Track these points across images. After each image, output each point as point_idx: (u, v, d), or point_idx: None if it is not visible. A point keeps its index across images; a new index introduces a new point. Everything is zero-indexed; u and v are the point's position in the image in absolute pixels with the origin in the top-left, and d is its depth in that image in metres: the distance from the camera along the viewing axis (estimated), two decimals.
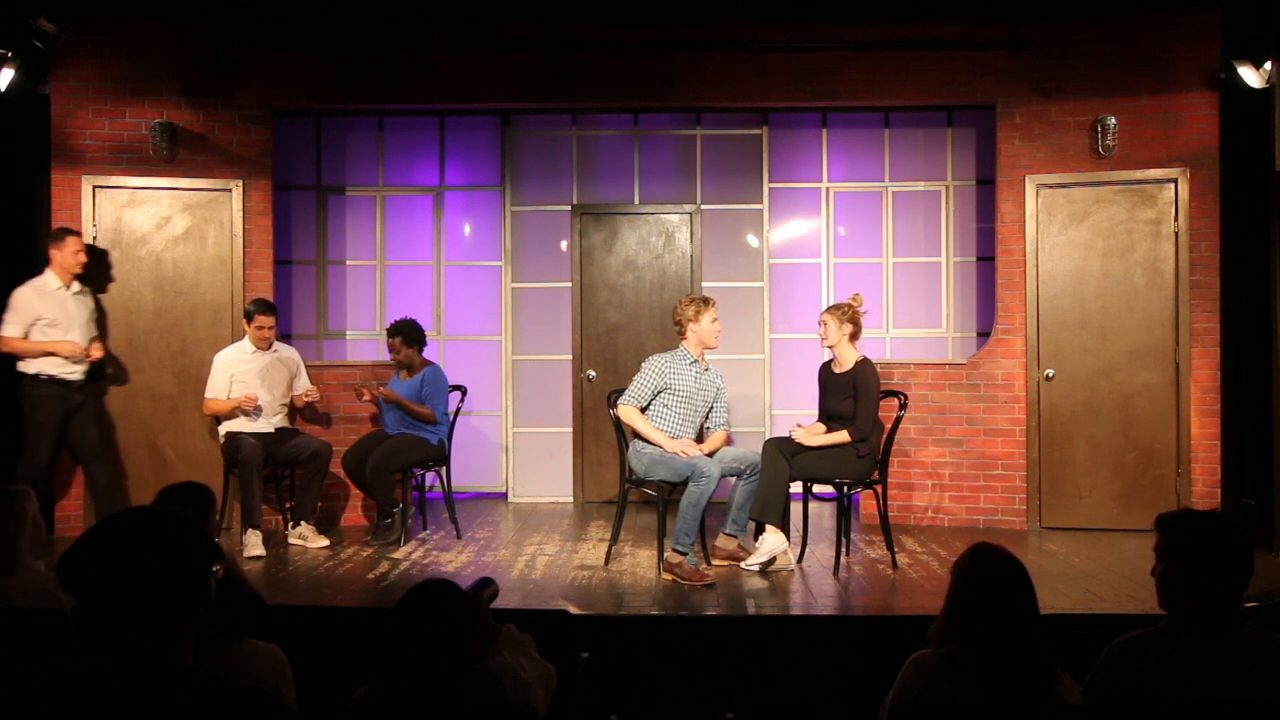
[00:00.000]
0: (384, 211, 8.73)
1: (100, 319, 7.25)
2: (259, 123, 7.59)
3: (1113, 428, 7.36)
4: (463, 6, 7.41)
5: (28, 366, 6.76)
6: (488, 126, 8.70)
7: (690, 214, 8.61)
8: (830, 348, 6.40)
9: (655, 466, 6.07)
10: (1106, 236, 7.41)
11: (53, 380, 6.76)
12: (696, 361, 6.26)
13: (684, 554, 5.82)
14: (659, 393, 6.20)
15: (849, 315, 6.28)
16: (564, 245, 8.68)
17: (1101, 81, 7.37)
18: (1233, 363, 7.28)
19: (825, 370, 6.43)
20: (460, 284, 8.77)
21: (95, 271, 7.27)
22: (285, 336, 7.96)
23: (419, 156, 8.76)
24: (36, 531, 3.69)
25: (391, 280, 8.73)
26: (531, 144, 8.71)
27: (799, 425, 6.35)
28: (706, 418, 6.34)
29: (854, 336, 6.29)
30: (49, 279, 6.86)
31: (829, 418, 6.31)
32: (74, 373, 6.84)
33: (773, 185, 8.63)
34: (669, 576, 5.82)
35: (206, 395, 7.04)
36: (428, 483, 7.53)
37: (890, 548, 6.27)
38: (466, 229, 8.82)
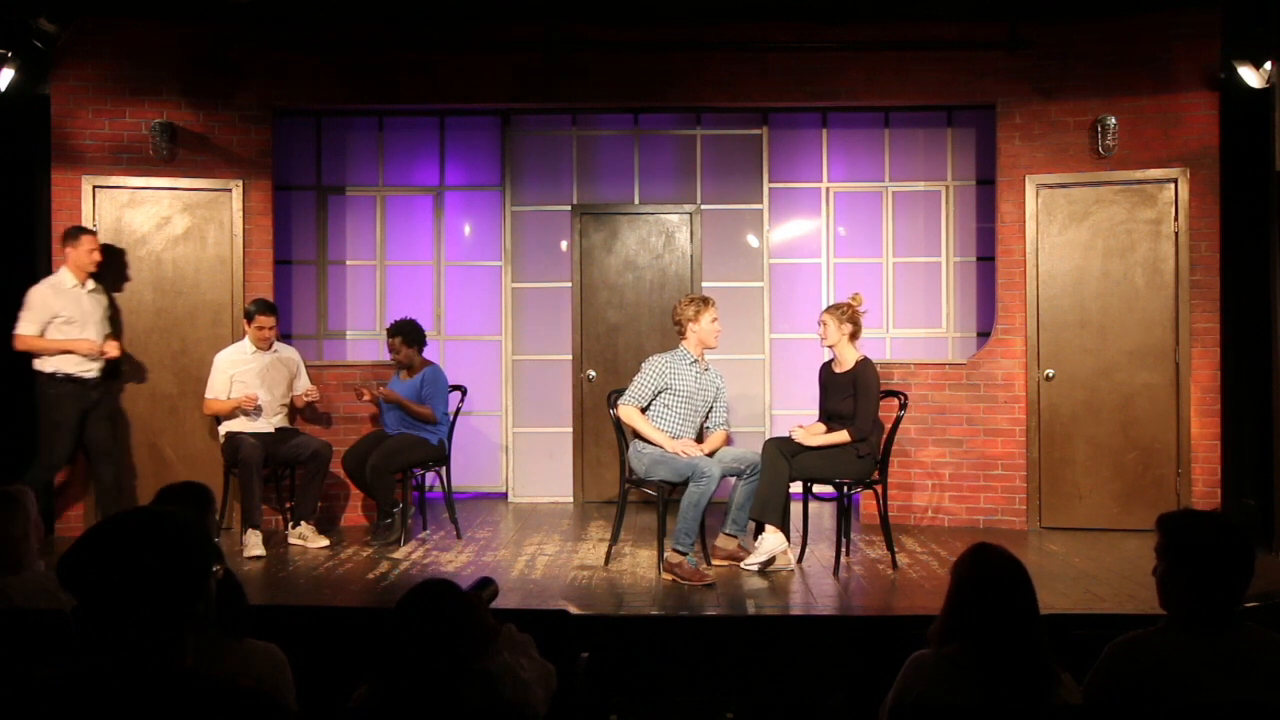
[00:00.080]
0: (384, 211, 8.73)
1: (114, 316, 7.26)
2: (259, 123, 7.59)
3: (1113, 428, 7.36)
4: (463, 6, 7.41)
5: (44, 365, 6.77)
6: (488, 126, 8.70)
7: (690, 214, 8.62)
8: (830, 347, 6.41)
9: (656, 466, 6.07)
10: (1106, 236, 7.41)
11: (69, 379, 6.77)
12: (696, 361, 6.26)
13: (684, 554, 5.82)
14: (659, 393, 6.20)
15: (848, 315, 6.28)
16: (564, 245, 8.68)
17: (1101, 81, 7.37)
18: (1233, 363, 7.28)
19: (825, 370, 6.44)
20: (460, 284, 8.77)
21: (100, 270, 7.26)
22: (285, 336, 7.96)
23: (419, 156, 8.76)
24: (36, 532, 3.70)
25: (391, 280, 8.73)
26: (531, 144, 8.71)
27: (799, 426, 6.35)
28: (706, 418, 6.34)
29: (854, 336, 6.29)
30: (64, 277, 6.87)
31: (829, 417, 6.31)
32: (90, 371, 6.86)
33: (773, 185, 8.64)
34: (669, 576, 5.82)
35: (207, 395, 7.04)
36: (428, 483, 7.53)
37: (890, 548, 6.27)
38: (466, 229, 8.82)
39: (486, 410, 8.64)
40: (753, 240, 8.63)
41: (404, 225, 8.76)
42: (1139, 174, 7.33)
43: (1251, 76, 6.82)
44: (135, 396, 7.44)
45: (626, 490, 6.47)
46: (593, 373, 8.59)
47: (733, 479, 6.22)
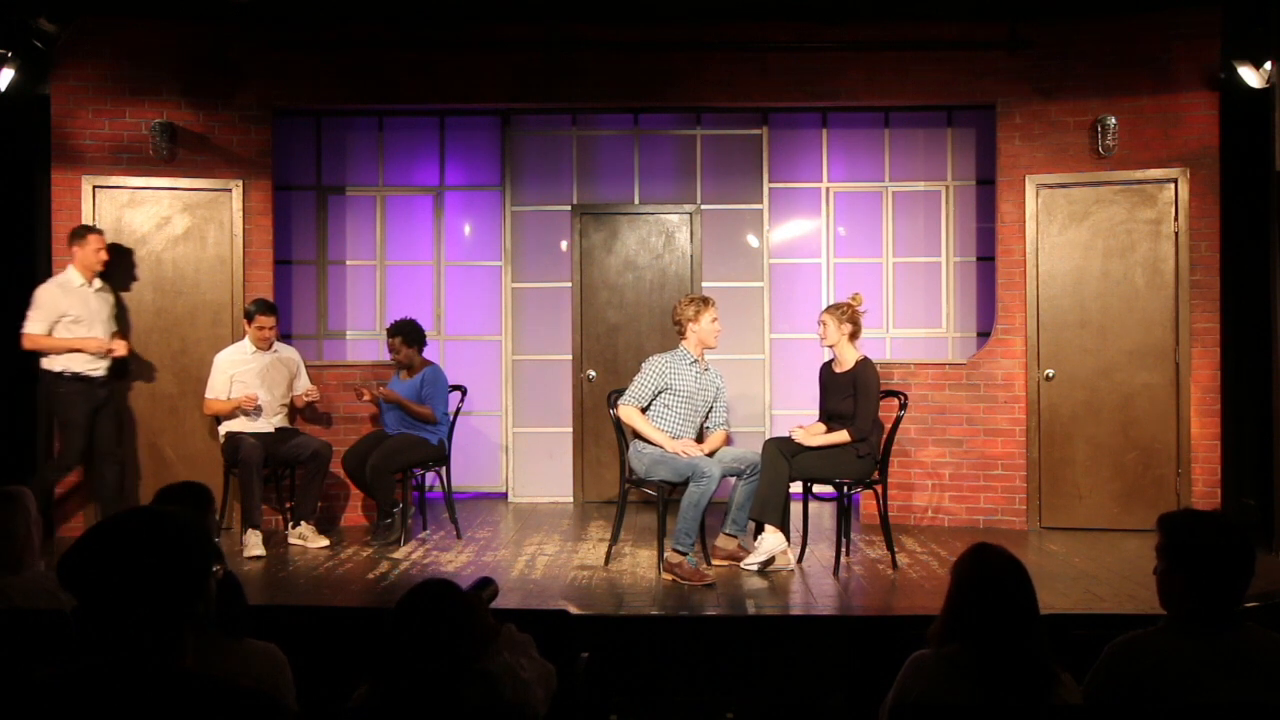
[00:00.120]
0: (384, 211, 8.73)
1: (120, 315, 7.27)
2: (259, 123, 7.59)
3: (1113, 428, 7.36)
4: (463, 6, 7.41)
5: (52, 364, 6.78)
6: (488, 126, 8.70)
7: (690, 214, 8.62)
8: (830, 347, 6.41)
9: (656, 466, 6.07)
10: (1106, 236, 7.41)
11: (76, 378, 6.78)
12: (696, 361, 6.26)
13: (684, 554, 5.82)
14: (659, 393, 6.20)
15: (848, 315, 6.28)
16: (564, 245, 8.68)
17: (1101, 81, 7.37)
18: (1233, 363, 7.28)
19: (826, 370, 6.44)
20: (460, 284, 8.77)
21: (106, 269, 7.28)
22: (285, 336, 7.96)
23: (419, 156, 8.76)
24: (37, 531, 3.70)
25: (391, 280, 8.73)
26: (531, 144, 8.71)
27: (799, 426, 6.35)
28: (706, 418, 6.34)
29: (853, 336, 6.29)
30: (71, 276, 6.88)
31: (829, 417, 6.31)
32: (98, 369, 6.88)
33: (773, 185, 8.64)
34: (669, 576, 5.82)
35: (207, 395, 7.04)
36: (428, 483, 7.53)
37: (890, 548, 6.27)
38: (466, 229, 8.82)
39: (486, 410, 8.64)
40: (753, 240, 8.63)
41: (404, 225, 8.76)
42: (1139, 174, 7.33)
43: (1251, 76, 6.82)
44: (135, 396, 7.44)
45: (626, 490, 6.47)
46: (593, 373, 8.59)
47: (733, 479, 6.23)
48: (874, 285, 8.45)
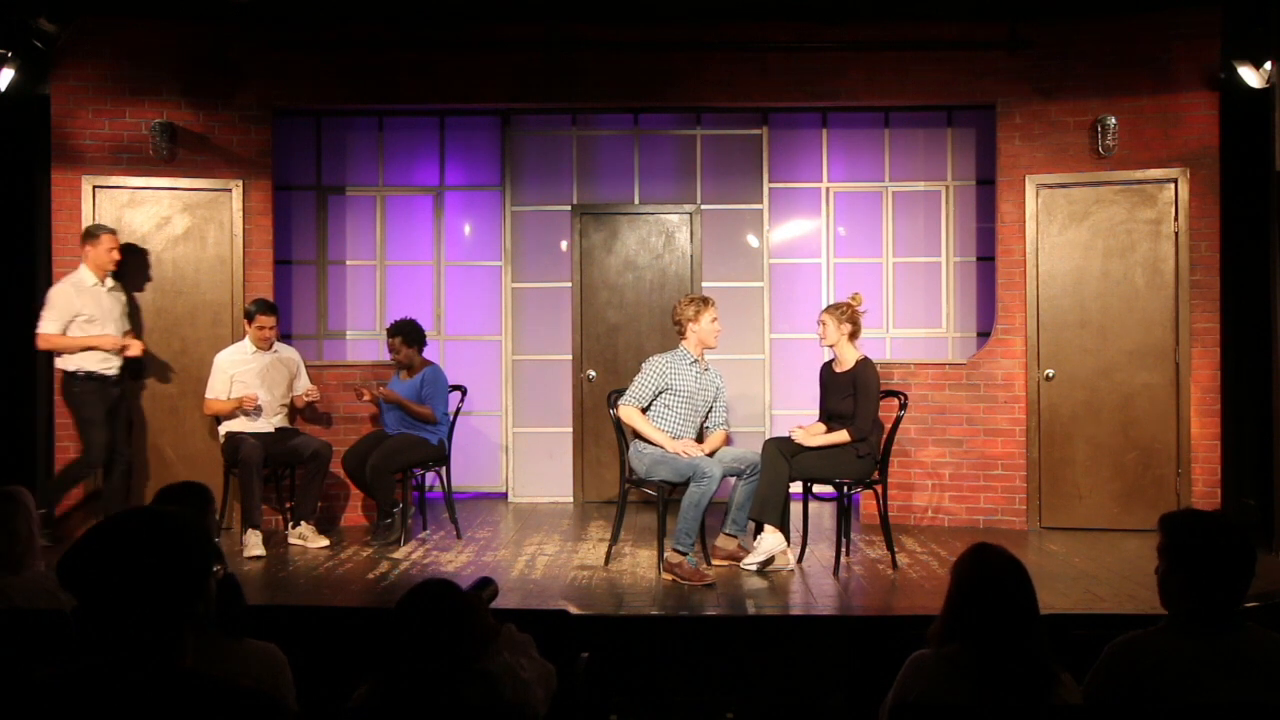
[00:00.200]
0: (384, 211, 8.73)
1: (133, 314, 7.28)
2: (259, 123, 7.59)
3: (1113, 428, 7.36)
4: (463, 6, 7.41)
5: (66, 364, 6.80)
6: (488, 126, 8.70)
7: (690, 214, 8.62)
8: (830, 347, 6.41)
9: (657, 467, 6.07)
10: (1106, 236, 7.41)
11: (90, 376, 6.81)
12: (696, 361, 6.26)
13: (684, 554, 5.82)
14: (660, 393, 6.20)
15: (848, 315, 6.28)
16: (564, 245, 8.68)
17: (1101, 81, 7.37)
18: (1233, 363, 7.28)
19: (826, 369, 6.44)
20: (460, 284, 8.77)
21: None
22: (285, 336, 7.97)
23: (419, 156, 8.76)
24: (37, 530, 3.71)
25: (391, 280, 8.73)
26: (531, 144, 8.71)
27: (799, 426, 6.35)
28: (706, 418, 6.34)
29: (853, 336, 6.29)
30: (84, 275, 6.89)
31: (829, 417, 6.31)
32: (112, 368, 6.90)
33: (773, 185, 8.64)
34: (669, 576, 5.82)
35: (207, 395, 7.04)
36: (428, 483, 7.53)
37: (890, 548, 6.27)
38: (466, 229, 8.82)
39: (486, 410, 8.64)
40: (753, 240, 8.63)
41: (404, 225, 8.76)
42: (1139, 174, 7.33)
43: (1251, 76, 6.82)
44: (135, 396, 7.43)
45: (626, 490, 6.47)
46: (593, 373, 8.59)
47: (732, 479, 6.23)
48: (874, 285, 8.45)
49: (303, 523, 6.83)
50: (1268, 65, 6.68)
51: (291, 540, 6.83)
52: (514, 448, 8.69)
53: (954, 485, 7.53)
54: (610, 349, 8.62)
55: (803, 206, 8.70)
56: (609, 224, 8.66)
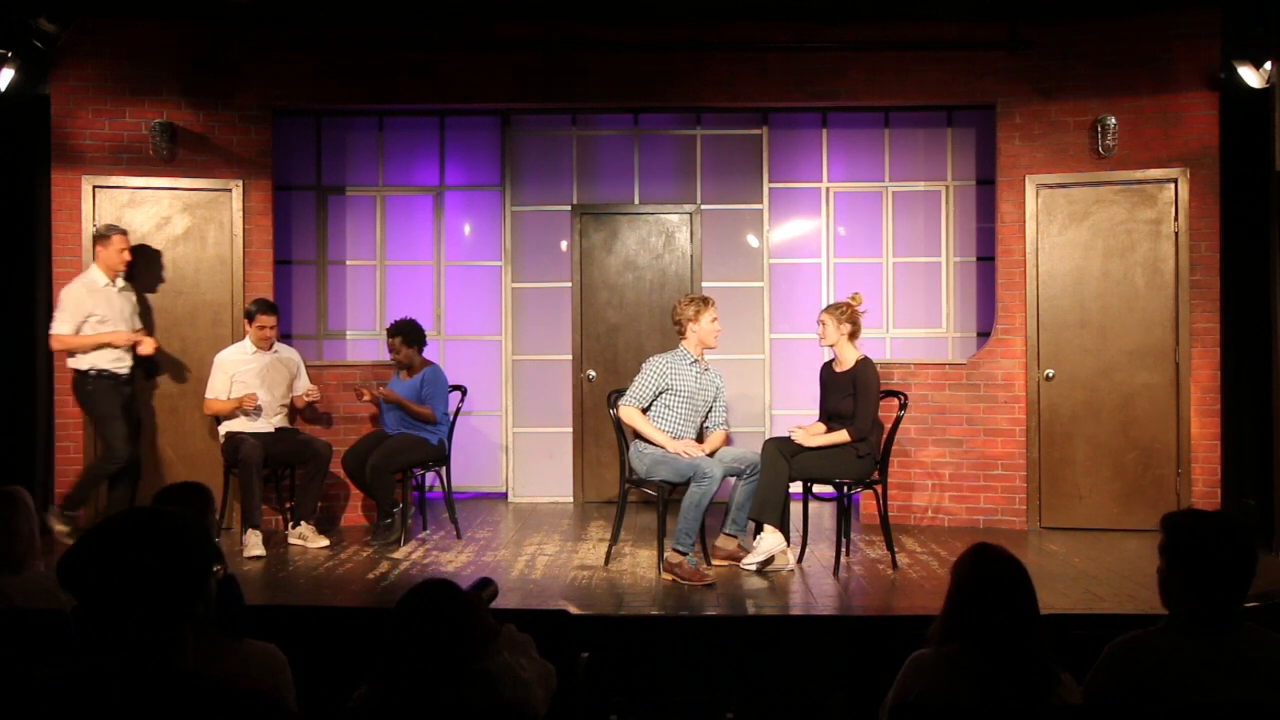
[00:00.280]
0: (384, 211, 8.73)
1: (144, 314, 7.29)
2: (259, 123, 7.59)
3: (1113, 428, 7.36)
4: (463, 6, 7.41)
5: (79, 363, 6.81)
6: (488, 126, 8.70)
7: (690, 214, 8.62)
8: (829, 347, 6.40)
9: (657, 467, 6.07)
10: (1106, 236, 7.41)
11: (103, 375, 6.82)
12: (697, 361, 6.26)
13: (684, 554, 5.82)
14: (660, 393, 6.20)
15: (847, 315, 6.28)
16: (564, 245, 8.68)
17: (1101, 81, 7.37)
18: (1233, 363, 7.28)
19: (826, 369, 6.44)
20: (460, 284, 8.77)
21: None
22: (285, 336, 7.97)
23: (419, 156, 8.76)
24: (38, 531, 3.71)
25: (391, 280, 8.73)
26: (531, 144, 8.71)
27: (799, 426, 6.35)
28: (706, 417, 6.34)
29: (853, 336, 6.29)
30: (95, 276, 6.90)
31: (829, 417, 6.31)
32: (124, 367, 6.91)
33: (773, 185, 8.64)
34: (669, 576, 5.82)
35: (207, 395, 7.04)
36: (428, 483, 7.53)
37: (890, 548, 6.27)
38: (466, 229, 8.82)
39: (486, 410, 8.65)
40: (753, 240, 8.63)
41: (404, 225, 8.76)
42: (1139, 174, 7.33)
43: (1251, 76, 6.81)
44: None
45: (626, 490, 6.47)
46: (593, 373, 8.59)
47: (732, 479, 6.22)
48: (874, 285, 8.45)
49: (303, 523, 6.83)
50: (1268, 65, 6.67)
51: (291, 540, 6.83)
52: (514, 448, 8.69)
53: (954, 485, 7.53)
54: (610, 349, 8.62)
55: (803, 206, 8.70)
56: (609, 224, 8.66)
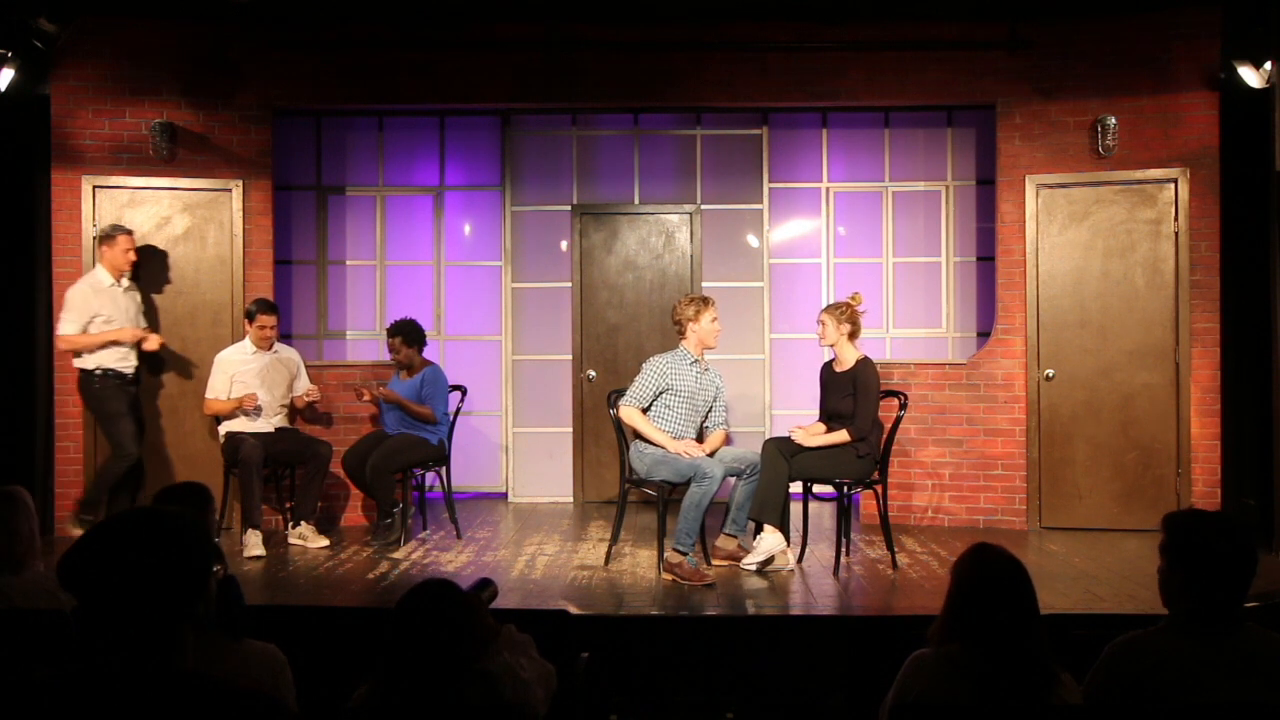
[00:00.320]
0: (384, 211, 8.73)
1: (148, 313, 7.29)
2: (259, 123, 7.59)
3: (1113, 428, 7.36)
4: (463, 6, 7.41)
5: (85, 362, 6.83)
6: (488, 126, 8.70)
7: (690, 214, 8.62)
8: (829, 347, 6.40)
9: (658, 467, 6.07)
10: (1106, 236, 7.40)
11: (108, 374, 6.83)
12: (697, 361, 6.26)
13: (684, 554, 5.82)
14: (660, 394, 6.20)
15: (847, 315, 6.28)
16: (564, 245, 8.68)
17: (1101, 81, 7.37)
18: (1233, 363, 7.27)
19: (826, 369, 6.44)
20: (460, 284, 8.77)
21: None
22: (285, 336, 7.97)
23: (419, 156, 8.76)
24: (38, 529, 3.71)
25: (391, 280, 8.73)
26: (531, 144, 8.71)
27: (799, 426, 6.35)
28: (705, 417, 6.34)
29: (853, 336, 6.29)
30: (101, 276, 6.91)
31: (829, 416, 6.31)
32: (129, 366, 6.93)
33: (773, 185, 8.64)
34: (669, 576, 5.82)
35: (207, 395, 7.04)
36: (428, 483, 7.53)
37: (890, 548, 6.27)
38: (466, 229, 8.82)
39: (486, 410, 8.64)
40: (753, 240, 8.63)
41: (404, 225, 8.76)
42: (1139, 174, 7.33)
43: (1251, 76, 6.81)
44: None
45: (626, 490, 6.47)
46: (593, 373, 8.59)
47: (732, 479, 6.22)
48: (874, 285, 8.45)
49: (303, 523, 6.83)
50: (1268, 65, 6.67)
51: (291, 540, 6.83)
52: (514, 448, 8.69)
53: (954, 485, 7.53)
54: (610, 349, 8.62)
55: (803, 206, 8.70)
56: (609, 224, 8.66)
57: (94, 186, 7.39)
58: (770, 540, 6.04)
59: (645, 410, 6.22)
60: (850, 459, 6.12)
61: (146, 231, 7.47)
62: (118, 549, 1.75)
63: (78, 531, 6.57)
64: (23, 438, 7.40)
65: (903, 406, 6.42)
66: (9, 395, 7.33)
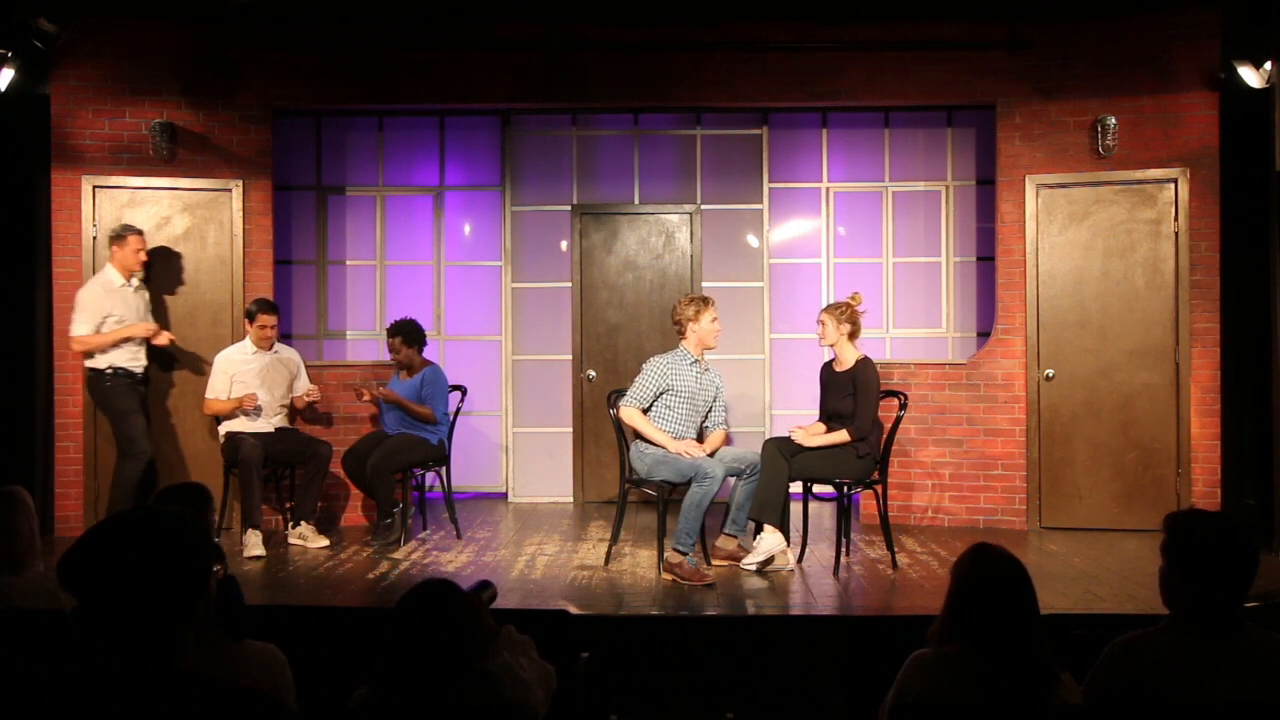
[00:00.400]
0: (384, 211, 8.73)
1: (156, 312, 7.29)
2: (259, 123, 7.59)
3: (1113, 428, 7.36)
4: (463, 6, 7.40)
5: (97, 362, 6.83)
6: (488, 126, 8.70)
7: (690, 214, 8.62)
8: (829, 347, 6.40)
9: (659, 467, 6.07)
10: (1106, 236, 7.40)
11: (119, 373, 6.83)
12: (697, 362, 6.26)
13: (684, 554, 5.82)
14: (661, 394, 6.20)
15: (847, 315, 6.28)
16: (564, 245, 8.68)
17: (1101, 81, 7.37)
18: (1233, 363, 7.27)
19: (826, 369, 6.44)
20: (460, 284, 8.77)
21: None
22: (285, 336, 7.97)
23: (419, 156, 8.76)
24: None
25: (391, 280, 8.73)
26: (531, 144, 8.71)
27: (799, 426, 6.35)
28: (705, 417, 6.34)
29: (853, 336, 6.29)
30: (112, 276, 6.91)
31: (829, 416, 6.31)
32: (139, 365, 6.94)
33: (773, 185, 8.64)
34: (669, 576, 5.82)
35: (207, 395, 7.04)
36: (428, 483, 7.53)
37: (890, 548, 6.27)
38: (466, 229, 8.82)
39: (486, 410, 8.64)
40: (753, 240, 8.63)
41: (404, 225, 8.76)
42: (1139, 174, 7.33)
43: (1251, 76, 6.81)
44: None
45: (626, 490, 6.47)
46: (593, 373, 8.59)
47: (732, 479, 6.22)
48: (874, 285, 8.45)
49: (303, 523, 6.83)
50: (1268, 65, 6.67)
51: (291, 540, 6.83)
52: (514, 448, 8.69)
53: (954, 485, 7.53)
54: (610, 349, 8.62)
55: (803, 206, 8.70)
56: (609, 224, 8.66)
57: (94, 186, 7.39)
58: (770, 540, 6.04)
59: (646, 411, 6.22)
60: (850, 459, 6.12)
61: (146, 232, 7.45)
62: (118, 549, 1.75)
63: None
64: (22, 438, 7.40)
65: (903, 406, 6.42)
66: (9, 395, 7.33)
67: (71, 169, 7.36)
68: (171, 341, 7.12)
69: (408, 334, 7.10)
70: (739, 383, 8.35)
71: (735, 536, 6.25)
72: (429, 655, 2.64)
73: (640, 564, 6.27)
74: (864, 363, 6.23)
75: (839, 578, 5.96)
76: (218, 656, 2.59)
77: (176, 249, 7.52)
